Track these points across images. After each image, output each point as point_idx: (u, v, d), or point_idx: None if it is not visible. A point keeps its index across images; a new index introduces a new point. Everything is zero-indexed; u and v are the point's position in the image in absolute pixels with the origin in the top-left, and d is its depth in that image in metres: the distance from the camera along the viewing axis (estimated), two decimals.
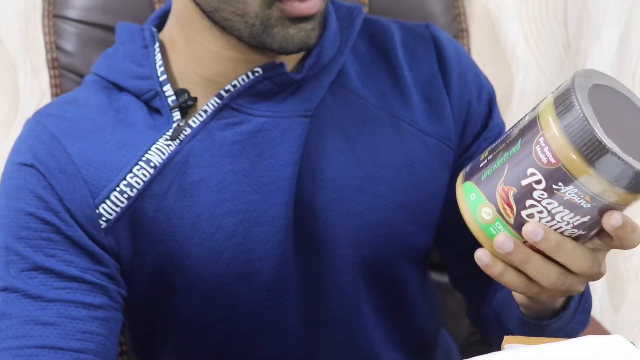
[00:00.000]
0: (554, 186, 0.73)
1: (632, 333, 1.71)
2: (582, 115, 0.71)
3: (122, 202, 0.90)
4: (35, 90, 1.55)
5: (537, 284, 0.78)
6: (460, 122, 1.00)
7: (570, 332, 0.90)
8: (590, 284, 1.71)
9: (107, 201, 0.89)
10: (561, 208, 0.73)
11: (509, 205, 0.75)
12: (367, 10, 1.19)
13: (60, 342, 0.87)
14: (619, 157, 0.71)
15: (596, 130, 0.70)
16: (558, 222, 0.74)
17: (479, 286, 1.02)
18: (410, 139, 0.97)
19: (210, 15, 0.88)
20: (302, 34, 0.87)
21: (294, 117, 0.92)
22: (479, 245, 1.00)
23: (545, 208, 0.74)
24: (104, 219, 0.89)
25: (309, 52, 0.94)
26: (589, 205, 0.73)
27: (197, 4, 0.88)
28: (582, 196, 0.72)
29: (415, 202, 0.97)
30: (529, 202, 0.74)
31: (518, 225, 0.75)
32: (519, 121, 0.77)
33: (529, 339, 0.79)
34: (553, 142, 0.72)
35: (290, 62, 0.93)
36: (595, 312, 1.71)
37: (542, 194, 0.74)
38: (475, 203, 0.77)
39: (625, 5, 1.57)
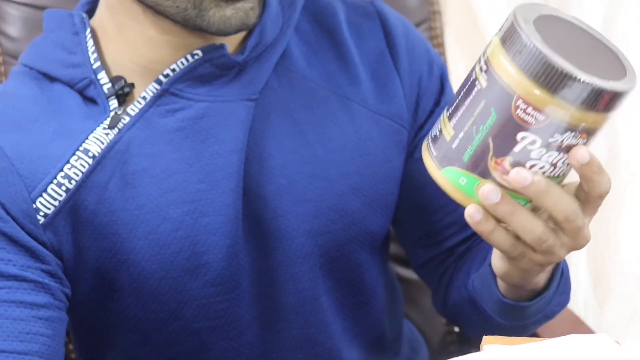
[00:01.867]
0: (550, 140, 0.74)
1: (618, 331, 1.74)
2: (533, 43, 0.73)
3: (61, 196, 0.90)
4: None
5: (522, 243, 0.79)
6: (412, 99, 1.01)
7: (549, 313, 0.92)
8: (575, 280, 1.73)
9: (45, 195, 0.89)
10: (561, 155, 0.75)
11: (508, 174, 0.77)
12: None
13: (2, 345, 0.86)
14: (580, 78, 0.73)
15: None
16: (560, 167, 0.77)
17: (444, 271, 1.04)
18: (361, 119, 0.98)
19: (141, 0, 0.88)
20: (241, 14, 0.88)
21: (238, 101, 0.93)
22: (438, 229, 1.03)
23: (547, 162, 0.76)
24: (41, 213, 0.89)
25: (250, 32, 0.95)
26: (584, 141, 0.76)
27: None
28: (578, 136, 0.75)
29: (369, 184, 0.98)
30: (528, 163, 0.76)
31: None
32: (471, 86, 0.78)
33: (509, 339, 0.80)
34: (534, 100, 0.73)
35: (231, 43, 0.93)
36: (580, 309, 1.74)
37: (540, 151, 0.75)
38: (469, 186, 0.78)
39: None
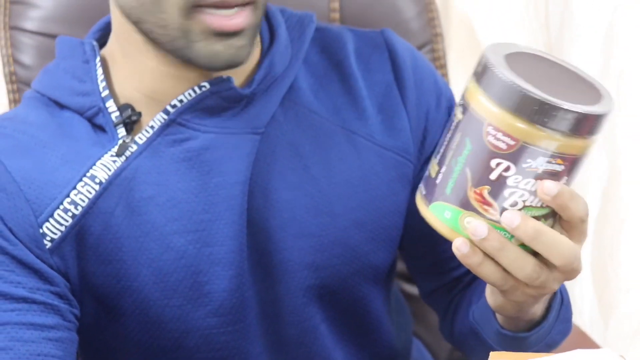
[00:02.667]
0: (524, 165, 0.74)
1: (623, 345, 1.73)
2: (512, 83, 0.73)
3: (67, 221, 0.89)
4: None
5: (513, 277, 0.77)
6: (419, 133, 0.99)
7: (551, 342, 0.90)
8: (579, 295, 1.72)
9: (51, 220, 0.89)
10: (539, 182, 0.75)
11: (489, 204, 0.76)
12: (339, 17, 1.21)
13: None
14: (565, 108, 0.73)
15: (533, 92, 0.73)
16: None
17: (451, 300, 1.02)
18: (366, 153, 0.97)
19: (139, 28, 0.88)
20: (232, 51, 0.87)
21: (243, 134, 0.92)
22: (445, 259, 1.01)
23: (525, 189, 0.75)
24: (48, 238, 0.89)
25: (258, 65, 0.94)
26: (562, 167, 0.75)
27: (127, 17, 0.88)
28: (553, 161, 0.74)
29: (373, 218, 0.96)
30: (506, 191, 0.75)
31: None
32: (450, 123, 0.78)
33: (516, 355, 0.80)
34: (501, 124, 0.74)
35: (239, 75, 0.93)
36: (585, 324, 1.73)
37: (516, 178, 0.75)
38: (454, 218, 0.78)
39: (609, 5, 1.59)
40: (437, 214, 0.78)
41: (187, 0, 0.84)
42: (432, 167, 0.79)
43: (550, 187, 0.74)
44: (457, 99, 1.20)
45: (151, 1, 0.85)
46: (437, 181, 0.78)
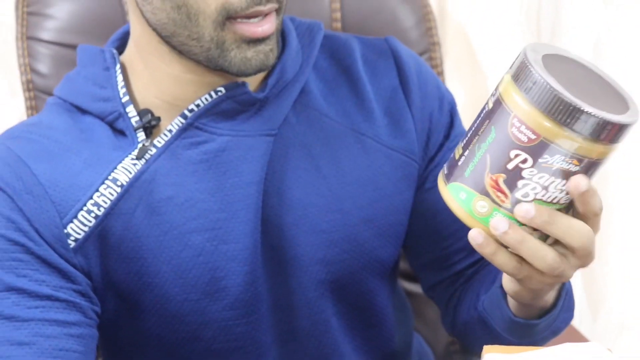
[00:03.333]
0: (540, 160, 0.75)
1: (610, 339, 1.72)
2: (545, 83, 0.73)
3: (90, 222, 0.90)
4: (14, 111, 1.57)
5: (528, 266, 0.79)
6: (423, 134, 1.00)
7: (555, 329, 0.92)
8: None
9: (75, 221, 0.90)
10: (553, 178, 0.75)
11: (502, 192, 0.77)
12: (340, 26, 1.21)
13: None
14: (591, 113, 0.73)
15: (563, 94, 0.73)
16: (553, 192, 0.76)
17: (453, 292, 1.04)
18: (374, 153, 0.98)
19: (167, 40, 0.89)
20: (261, 56, 0.88)
21: (258, 136, 0.93)
22: (448, 254, 1.01)
23: (538, 183, 0.75)
24: (72, 238, 0.90)
25: (271, 70, 0.94)
26: (577, 168, 0.75)
27: (154, 30, 0.89)
28: (569, 161, 0.74)
29: (381, 216, 0.97)
30: (520, 182, 0.76)
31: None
32: (482, 110, 0.78)
33: (508, 348, 0.81)
34: (527, 118, 0.74)
35: (252, 80, 0.93)
36: (574, 319, 1.73)
37: (532, 171, 0.75)
38: (468, 200, 0.78)
39: (599, 13, 1.59)
40: (453, 193, 0.79)
41: (220, 14, 0.86)
42: (457, 149, 0.79)
43: (580, 182, 0.75)
44: (455, 102, 1.21)
45: (185, 17, 0.87)
46: (459, 163, 0.78)
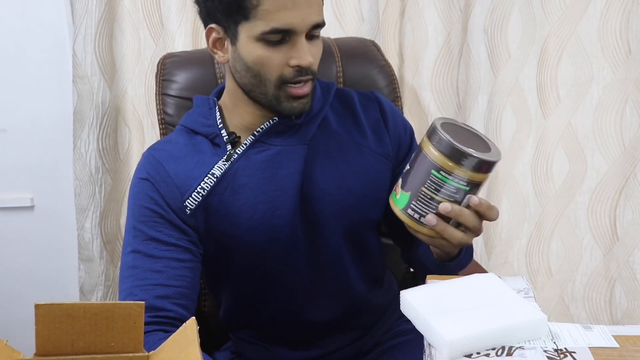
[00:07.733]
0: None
1: (498, 271, 2.09)
2: (447, 139, 0.99)
3: (198, 199, 1.20)
4: (153, 137, 1.97)
5: (447, 241, 1.10)
6: (395, 146, 1.32)
7: (461, 267, 1.25)
8: (474, 241, 2.02)
9: (190, 199, 1.20)
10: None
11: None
12: (342, 82, 1.51)
13: (166, 282, 1.15)
14: (474, 155, 0.98)
15: (457, 145, 0.99)
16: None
17: (409, 244, 1.36)
18: (367, 156, 1.29)
19: (247, 93, 1.20)
20: (301, 106, 1.19)
21: (298, 145, 1.24)
22: (408, 233, 1.26)
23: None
24: (188, 209, 1.20)
25: None
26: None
27: (240, 86, 1.21)
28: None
29: (371, 192, 1.28)
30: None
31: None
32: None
33: (442, 277, 1.06)
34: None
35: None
36: (478, 257, 2.08)
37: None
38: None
39: (489, 81, 1.94)
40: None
41: (279, 80, 1.15)
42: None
43: (475, 200, 1.01)
44: (413, 129, 1.38)
45: (258, 81, 1.15)
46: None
